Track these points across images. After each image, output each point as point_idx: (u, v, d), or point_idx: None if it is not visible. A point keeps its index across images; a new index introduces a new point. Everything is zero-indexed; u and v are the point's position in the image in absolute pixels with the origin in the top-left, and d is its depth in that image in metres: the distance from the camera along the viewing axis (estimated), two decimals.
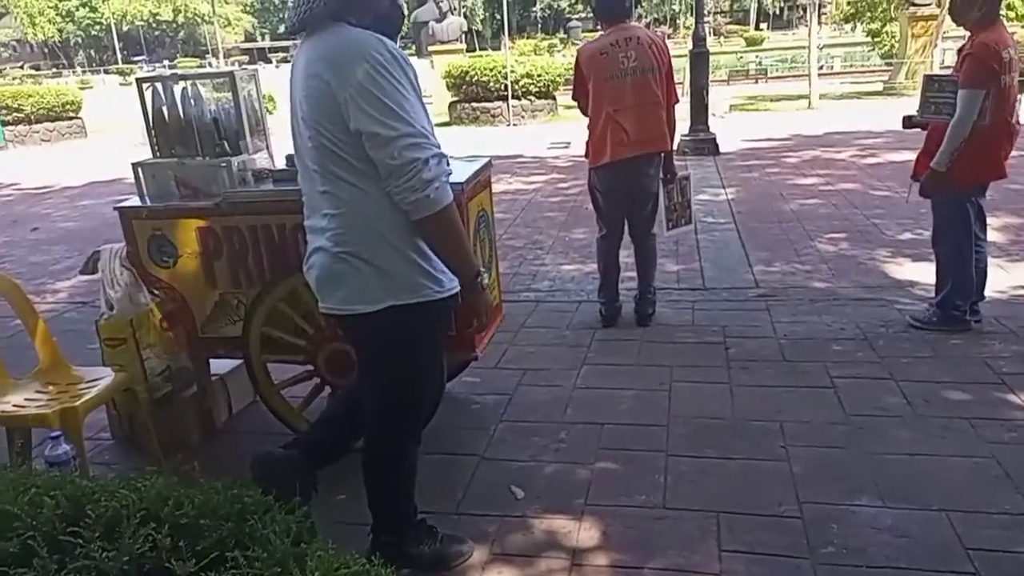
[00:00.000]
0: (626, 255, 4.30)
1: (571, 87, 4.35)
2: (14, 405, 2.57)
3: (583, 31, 44.89)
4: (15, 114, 16.22)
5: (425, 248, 1.93)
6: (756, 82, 23.01)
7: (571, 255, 5.73)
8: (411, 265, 1.92)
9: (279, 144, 3.25)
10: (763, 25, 67.42)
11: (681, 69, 14.25)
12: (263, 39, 68.30)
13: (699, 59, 10.13)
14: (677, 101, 4.10)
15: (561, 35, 51.12)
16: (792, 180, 8.04)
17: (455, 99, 15.44)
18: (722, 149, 10.02)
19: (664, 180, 4.16)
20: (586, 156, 4.18)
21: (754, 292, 4.59)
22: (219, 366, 3.28)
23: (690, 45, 10.47)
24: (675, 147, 4.26)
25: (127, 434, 3.11)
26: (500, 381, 3.53)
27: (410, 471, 2.25)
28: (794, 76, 22.13)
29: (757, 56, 32.86)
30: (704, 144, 10.01)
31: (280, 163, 3.09)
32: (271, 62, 51.44)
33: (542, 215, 7.16)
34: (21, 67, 53.53)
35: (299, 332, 2.85)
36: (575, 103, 4.26)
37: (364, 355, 2.11)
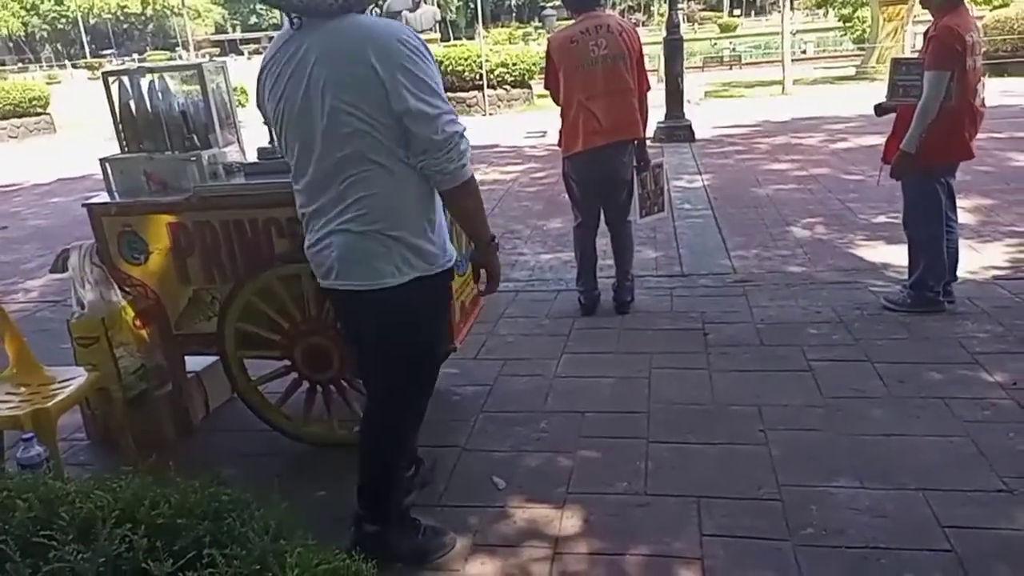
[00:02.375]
0: (603, 243, 4.30)
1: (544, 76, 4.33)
2: None
3: (558, 19, 44.78)
4: None
5: (436, 222, 2.07)
6: (730, 68, 23.13)
7: (549, 244, 5.73)
8: (428, 239, 2.03)
9: (250, 137, 3.21)
10: (736, 12, 67.74)
11: (655, 56, 14.32)
12: (234, 31, 67.43)
13: (673, 46, 10.14)
14: (649, 88, 4.09)
15: (536, 23, 50.93)
16: (767, 165, 8.10)
17: None
18: (697, 136, 10.05)
19: (637, 168, 4.16)
20: (559, 145, 4.17)
21: (731, 278, 4.62)
22: (195, 363, 3.24)
23: (664, 32, 10.47)
24: (650, 134, 4.27)
25: (102, 434, 3.07)
26: (480, 372, 3.52)
27: (405, 460, 2.32)
28: (768, 62, 22.28)
29: (731, 43, 32.98)
30: (679, 131, 10.04)
31: (252, 156, 3.04)
32: (243, 54, 50.82)
33: (519, 204, 7.15)
34: None
35: (274, 327, 2.82)
36: (547, 91, 4.24)
37: (383, 331, 2.12)
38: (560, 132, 4.11)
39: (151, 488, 1.64)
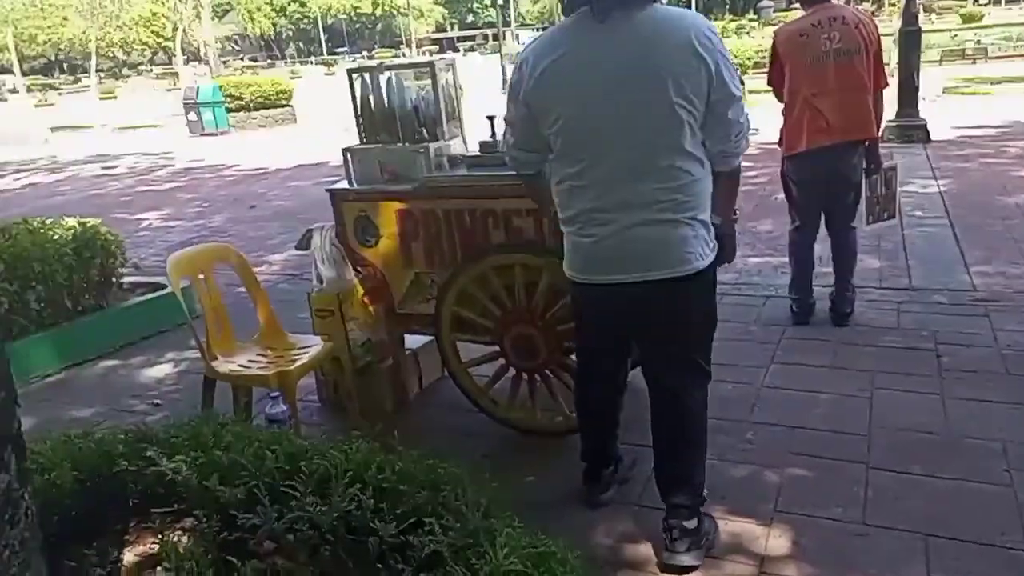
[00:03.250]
0: (820, 249, 4.04)
1: (762, 71, 4.13)
2: (239, 366, 2.86)
3: (775, 11, 42.56)
4: (237, 102, 17.94)
5: None
6: (974, 62, 20.76)
7: (758, 247, 5.47)
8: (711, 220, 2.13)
9: (471, 131, 3.35)
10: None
11: (888, 50, 13.15)
12: (452, 29, 70.92)
13: (910, 38, 9.26)
14: (886, 85, 3.78)
15: (751, 16, 48.74)
16: (1017, 172, 7.18)
17: None
18: (933, 136, 9.12)
19: (867, 170, 3.85)
20: (779, 144, 3.96)
21: (971, 296, 4.15)
22: (412, 341, 3.46)
23: (898, 23, 9.60)
24: (880, 134, 3.93)
25: (331, 398, 3.37)
26: None
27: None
28: (1020, 56, 19.73)
29: (975, 34, 29.57)
30: (913, 131, 9.16)
31: (473, 149, 3.18)
32: (458, 51, 53.30)
33: None
34: (241, 59, 59.34)
35: (486, 314, 2.93)
36: (769, 88, 4.04)
37: (696, 315, 2.19)
38: (781, 130, 3.90)
39: (378, 453, 1.78)
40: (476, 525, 1.54)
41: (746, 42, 17.93)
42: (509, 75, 2.23)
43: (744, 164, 7.93)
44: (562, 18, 2.07)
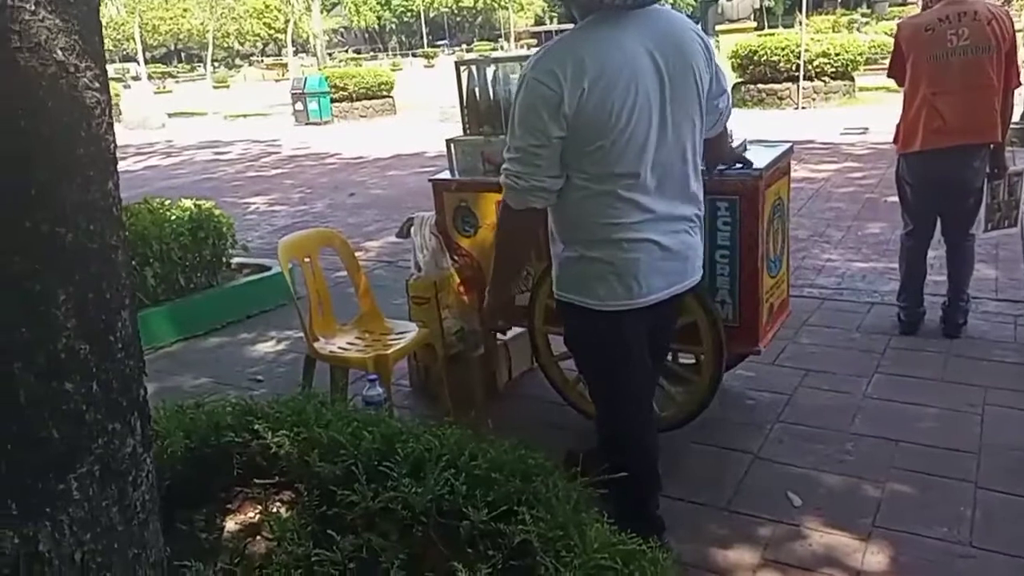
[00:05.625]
0: (932, 255, 3.84)
1: (873, 68, 3.94)
2: (339, 348, 2.97)
3: (889, 5, 40.53)
4: (340, 92, 18.47)
5: None
6: None
7: (863, 251, 5.24)
8: None
9: None
10: None
11: (1022, 45, 12.29)
12: (551, 22, 70.84)
13: None
14: (1018, 84, 3.55)
15: (863, 10, 46.56)
16: None
17: (739, 80, 14.78)
18: None
19: (990, 175, 3.63)
20: (894, 141, 3.78)
21: None
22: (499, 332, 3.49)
23: None
24: (1006, 137, 3.70)
25: (422, 384, 3.45)
26: (777, 379, 3.35)
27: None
28: None
29: None
30: None
31: None
32: None
33: (830, 206, 6.63)
34: (346, 51, 61.16)
35: None
36: (890, 79, 3.86)
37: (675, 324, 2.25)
38: (897, 126, 3.73)
39: (471, 440, 1.80)
40: (566, 518, 1.54)
41: (858, 38, 17.08)
42: (520, 94, 1.84)
43: (851, 165, 7.66)
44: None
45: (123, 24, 40.82)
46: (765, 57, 14.14)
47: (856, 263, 4.99)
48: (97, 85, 1.10)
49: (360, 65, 29.80)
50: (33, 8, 0.99)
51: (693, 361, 2.92)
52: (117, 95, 20.12)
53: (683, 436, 2.83)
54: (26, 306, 1.04)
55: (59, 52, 1.03)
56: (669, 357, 2.68)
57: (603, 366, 2.09)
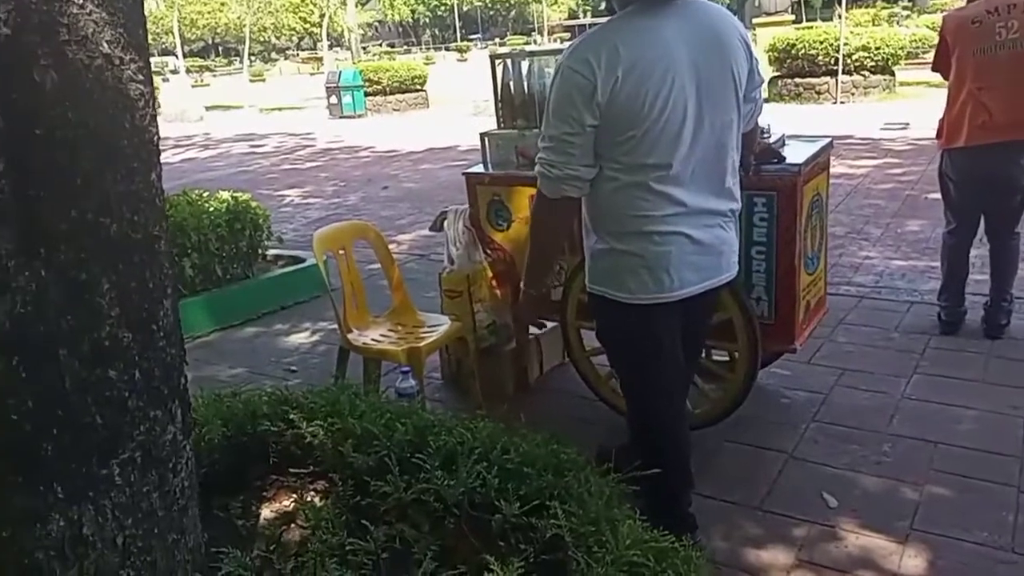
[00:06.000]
0: (975, 254, 3.75)
1: (915, 62, 3.85)
2: (372, 339, 2.99)
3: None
4: (374, 86, 18.58)
5: None
6: None
7: (903, 249, 5.14)
8: None
9: None
10: None
11: None
12: (584, 16, 70.45)
13: None
14: None
15: (904, 3, 45.56)
16: None
17: (776, 74, 14.56)
18: None
19: None
20: (937, 137, 3.70)
21: None
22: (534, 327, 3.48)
23: None
24: None
25: (454, 377, 3.46)
26: (813, 378, 3.30)
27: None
28: None
29: None
30: None
31: None
32: None
33: (869, 202, 6.51)
34: (380, 45, 61.50)
35: None
36: (935, 73, 3.78)
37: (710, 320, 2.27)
38: (941, 121, 3.64)
39: (503, 434, 1.80)
40: (598, 513, 1.54)
41: (900, 31, 16.73)
42: (555, 83, 1.85)
43: (890, 161, 7.50)
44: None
45: (162, 18, 41.51)
46: (803, 51, 13.91)
47: (895, 261, 4.90)
48: (141, 77, 1.11)
49: (394, 59, 29.91)
50: (81, 2, 1.01)
51: (727, 358, 2.89)
52: (156, 88, 20.46)
53: (716, 434, 2.80)
54: (71, 294, 1.06)
55: (105, 44, 1.05)
56: (703, 354, 2.65)
57: (634, 360, 2.09)
